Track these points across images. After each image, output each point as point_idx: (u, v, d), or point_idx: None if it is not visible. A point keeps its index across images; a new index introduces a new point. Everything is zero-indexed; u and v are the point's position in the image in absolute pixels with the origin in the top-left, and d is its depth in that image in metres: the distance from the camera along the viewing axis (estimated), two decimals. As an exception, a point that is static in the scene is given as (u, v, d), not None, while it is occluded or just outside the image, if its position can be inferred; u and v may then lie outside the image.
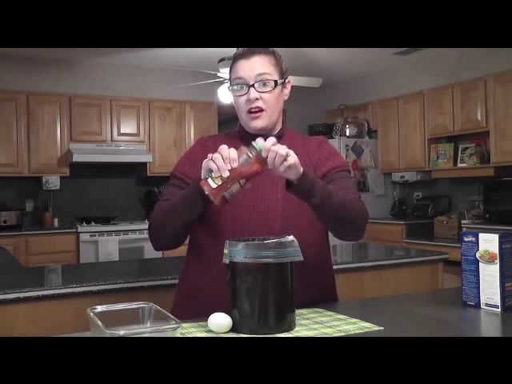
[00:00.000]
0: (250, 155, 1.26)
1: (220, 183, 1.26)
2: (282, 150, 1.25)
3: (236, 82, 1.48)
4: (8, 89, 5.14)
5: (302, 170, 1.30)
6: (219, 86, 4.52)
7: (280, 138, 1.54)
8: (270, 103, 1.48)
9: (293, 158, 1.25)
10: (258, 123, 1.48)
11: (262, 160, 1.27)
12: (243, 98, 1.47)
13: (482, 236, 1.43)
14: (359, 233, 1.50)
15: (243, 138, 1.54)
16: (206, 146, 1.55)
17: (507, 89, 4.62)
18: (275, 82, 1.47)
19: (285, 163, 1.25)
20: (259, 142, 1.27)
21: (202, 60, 5.09)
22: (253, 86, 1.45)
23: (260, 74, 1.46)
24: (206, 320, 1.29)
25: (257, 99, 1.46)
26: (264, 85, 1.46)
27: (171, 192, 1.52)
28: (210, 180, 1.27)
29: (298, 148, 1.55)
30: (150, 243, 1.53)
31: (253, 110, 1.47)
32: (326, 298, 1.57)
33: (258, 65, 1.47)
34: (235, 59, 1.50)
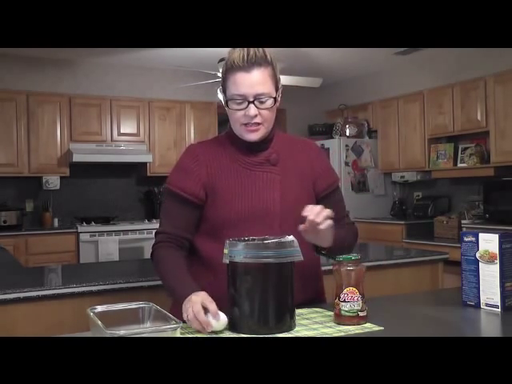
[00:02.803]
0: (350, 268, 1.32)
1: (358, 313, 1.31)
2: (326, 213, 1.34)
3: (235, 97, 1.44)
4: (8, 89, 5.14)
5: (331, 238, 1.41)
6: (219, 85, 4.52)
7: (269, 142, 1.55)
8: (266, 118, 1.47)
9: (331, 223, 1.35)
10: (255, 136, 1.48)
11: (357, 263, 1.33)
12: (241, 112, 1.45)
13: (482, 236, 1.43)
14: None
15: (234, 143, 1.54)
16: (196, 155, 1.54)
17: (507, 89, 4.62)
18: (274, 99, 1.46)
19: (327, 222, 1.33)
20: (342, 256, 1.34)
21: (202, 60, 5.09)
22: (252, 102, 1.43)
23: (260, 94, 1.43)
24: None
25: (256, 115, 1.45)
26: (263, 102, 1.44)
27: (170, 213, 1.53)
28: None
29: (291, 152, 1.58)
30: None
31: (251, 124, 1.46)
32: (318, 298, 1.58)
33: (258, 81, 1.43)
34: (234, 69, 1.44)
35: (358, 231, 1.66)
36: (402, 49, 5.13)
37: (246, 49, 1.43)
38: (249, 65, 1.42)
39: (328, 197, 1.58)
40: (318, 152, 1.65)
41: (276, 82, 1.48)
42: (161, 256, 1.50)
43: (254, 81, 1.43)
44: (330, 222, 1.35)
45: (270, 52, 1.47)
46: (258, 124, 1.46)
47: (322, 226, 1.33)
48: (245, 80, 1.43)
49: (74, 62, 5.47)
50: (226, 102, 1.47)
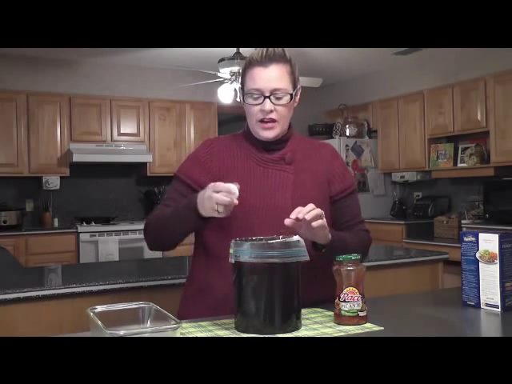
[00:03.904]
0: (350, 268, 1.32)
1: (358, 313, 1.31)
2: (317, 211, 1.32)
3: (252, 92, 1.46)
4: (8, 89, 5.14)
5: (330, 235, 1.40)
6: (219, 85, 4.52)
7: (285, 142, 1.56)
8: (283, 115, 1.48)
9: (324, 221, 1.34)
10: (270, 134, 1.49)
11: (357, 263, 1.33)
12: (257, 107, 1.47)
13: (482, 236, 1.42)
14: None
15: (250, 140, 1.55)
16: (212, 148, 1.57)
17: (507, 89, 4.62)
18: (291, 95, 1.47)
19: (319, 222, 1.32)
20: (342, 256, 1.33)
21: (202, 60, 5.08)
22: (268, 97, 1.45)
23: (276, 89, 1.45)
24: (209, 320, 1.29)
25: (271, 111, 1.46)
26: (279, 98, 1.46)
27: (173, 197, 1.53)
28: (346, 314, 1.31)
29: (307, 152, 1.59)
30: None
31: (266, 121, 1.47)
32: (329, 297, 1.58)
33: (275, 76, 1.45)
34: (252, 64, 1.46)
35: (370, 241, 1.63)
36: (402, 49, 5.14)
37: (265, 48, 1.45)
38: (266, 60, 1.45)
39: (342, 200, 1.58)
40: (335, 154, 1.65)
41: (294, 80, 1.50)
42: (155, 215, 1.52)
43: (271, 76, 1.45)
44: (321, 221, 1.33)
45: (290, 52, 1.49)
46: (274, 121, 1.47)
47: (313, 224, 1.32)
48: (262, 74, 1.45)
49: (73, 62, 5.47)
50: (243, 98, 1.49)
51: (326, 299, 1.52)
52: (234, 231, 1.41)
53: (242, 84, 1.51)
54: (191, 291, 1.58)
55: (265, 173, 1.51)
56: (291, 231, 1.30)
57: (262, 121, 1.47)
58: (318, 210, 1.33)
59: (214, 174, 1.51)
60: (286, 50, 1.48)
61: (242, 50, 4.14)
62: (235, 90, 1.57)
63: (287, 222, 1.30)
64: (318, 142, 1.72)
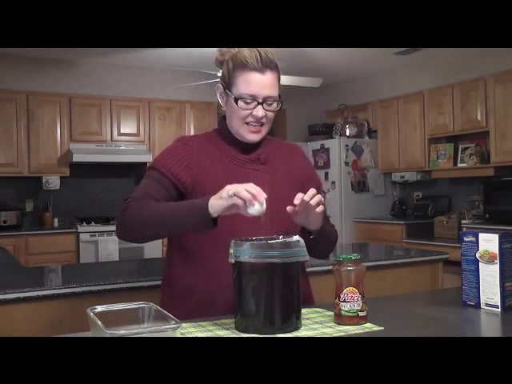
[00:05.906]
0: (350, 268, 1.31)
1: (358, 313, 1.30)
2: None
3: (245, 96, 1.46)
4: (8, 89, 5.14)
5: (321, 223, 1.45)
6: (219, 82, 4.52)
7: (260, 143, 1.56)
8: (270, 119, 1.51)
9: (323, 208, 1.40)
10: (256, 137, 1.51)
11: (357, 263, 1.33)
12: (247, 112, 1.47)
13: (481, 236, 1.43)
14: (328, 256, 1.73)
15: (225, 140, 1.55)
16: (190, 145, 1.54)
17: (507, 89, 4.62)
18: (281, 102, 1.50)
19: (321, 207, 1.38)
20: (342, 256, 1.33)
21: (202, 60, 5.08)
22: (261, 103, 1.46)
23: (269, 97, 1.47)
24: (209, 320, 1.29)
25: (262, 117, 1.48)
26: (270, 104, 1.48)
27: (151, 186, 1.47)
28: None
29: (280, 153, 1.62)
30: (117, 232, 1.46)
31: (254, 125, 1.49)
32: (307, 299, 1.58)
33: (269, 84, 1.46)
34: (247, 69, 1.45)
35: (337, 235, 1.70)
36: (402, 49, 5.14)
37: (255, 49, 1.45)
38: (263, 66, 1.45)
39: None
40: (304, 156, 1.71)
41: (279, 85, 1.52)
42: (143, 203, 1.41)
43: (266, 83, 1.46)
44: (322, 207, 1.39)
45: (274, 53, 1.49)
46: (262, 125, 1.50)
47: (317, 209, 1.37)
48: (258, 81, 1.45)
49: (74, 62, 5.47)
50: (235, 100, 1.47)
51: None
52: (214, 231, 1.37)
53: (230, 84, 1.49)
54: (170, 295, 1.54)
55: (241, 172, 1.52)
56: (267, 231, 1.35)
57: (248, 123, 1.48)
58: (320, 196, 1.38)
59: (193, 172, 1.49)
60: (275, 55, 1.49)
61: (241, 49, 4.14)
62: (218, 87, 1.51)
63: (289, 209, 1.37)
64: (288, 143, 1.75)
